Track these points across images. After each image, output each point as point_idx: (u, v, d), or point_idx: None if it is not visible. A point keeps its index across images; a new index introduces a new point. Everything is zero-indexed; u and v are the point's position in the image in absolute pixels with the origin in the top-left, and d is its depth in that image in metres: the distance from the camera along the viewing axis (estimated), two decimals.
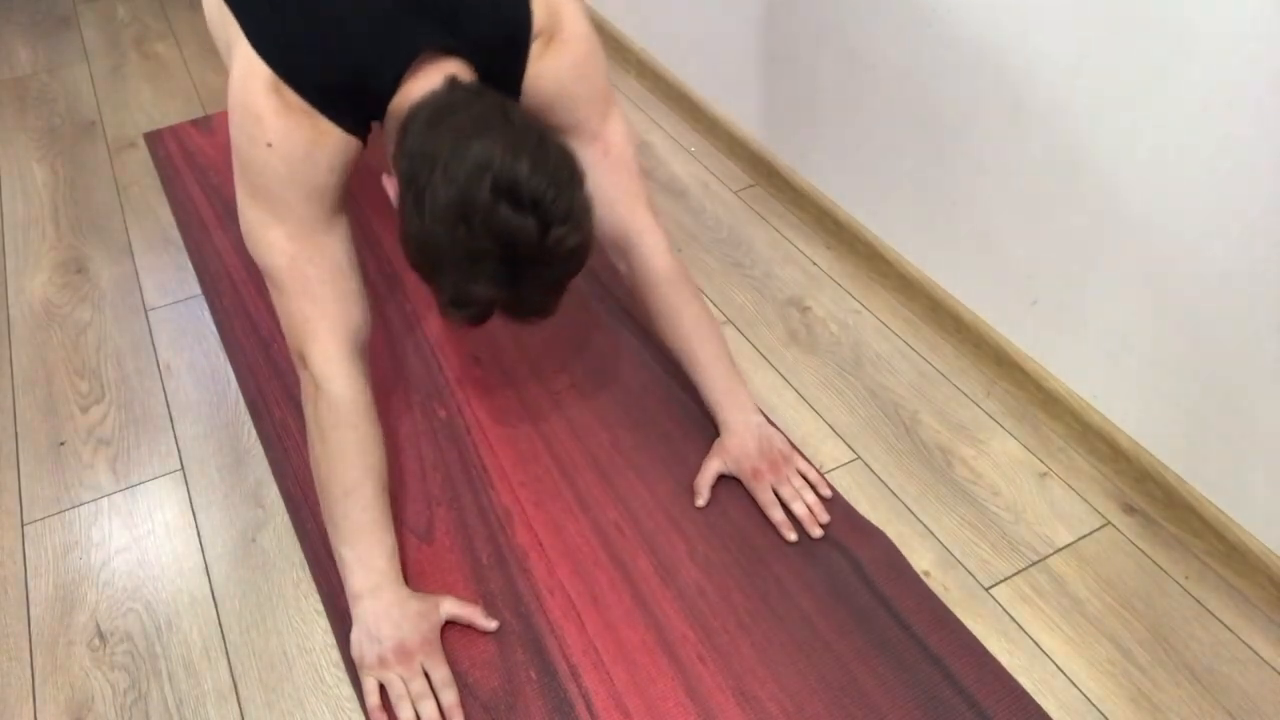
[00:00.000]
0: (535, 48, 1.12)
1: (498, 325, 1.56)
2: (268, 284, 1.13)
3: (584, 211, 0.96)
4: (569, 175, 0.95)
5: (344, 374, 1.12)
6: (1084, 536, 1.25)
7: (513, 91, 1.14)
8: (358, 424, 1.12)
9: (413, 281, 1.64)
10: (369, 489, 1.12)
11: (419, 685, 1.06)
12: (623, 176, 1.27)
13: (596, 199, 1.22)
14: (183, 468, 1.35)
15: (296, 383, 1.44)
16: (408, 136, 0.96)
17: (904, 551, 1.23)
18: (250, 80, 1.02)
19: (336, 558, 1.12)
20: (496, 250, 0.92)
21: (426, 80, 1.03)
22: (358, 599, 1.09)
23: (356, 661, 1.08)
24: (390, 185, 1.02)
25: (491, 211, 0.90)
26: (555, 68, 1.15)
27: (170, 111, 2.09)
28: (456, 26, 1.05)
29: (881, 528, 1.26)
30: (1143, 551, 1.24)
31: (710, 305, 1.60)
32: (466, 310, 0.97)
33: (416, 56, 1.04)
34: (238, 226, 1.74)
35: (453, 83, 1.01)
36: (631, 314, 1.57)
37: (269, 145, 1.02)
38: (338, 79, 1.03)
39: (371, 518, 1.11)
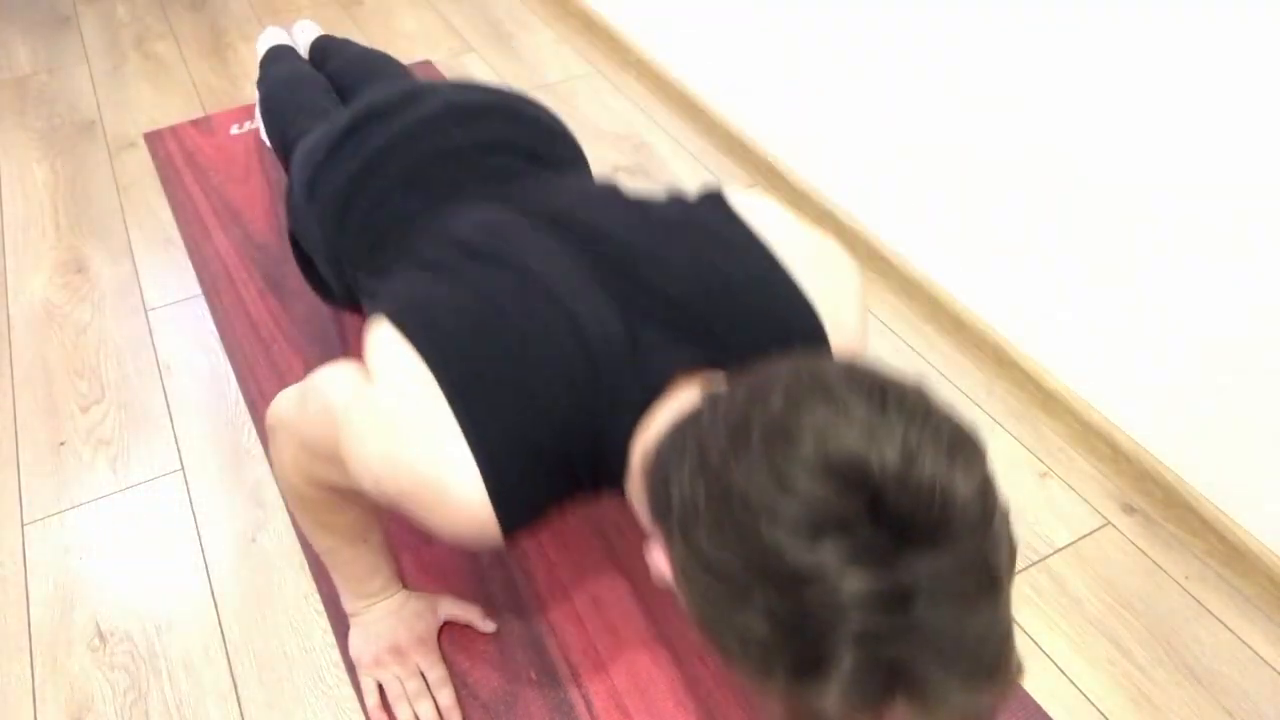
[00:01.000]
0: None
1: None
2: (268, 430, 0.98)
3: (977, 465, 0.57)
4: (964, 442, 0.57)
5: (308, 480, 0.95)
6: (1084, 536, 1.25)
7: None
8: (322, 509, 0.99)
9: None
10: (348, 547, 1.04)
11: (415, 685, 1.06)
12: None
13: None
14: (183, 468, 1.35)
15: (296, 383, 1.44)
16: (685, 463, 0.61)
17: None
18: (421, 420, 0.75)
19: (330, 573, 1.10)
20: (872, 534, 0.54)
21: (676, 403, 0.74)
22: (352, 615, 1.10)
23: (354, 661, 1.09)
24: (656, 555, 0.65)
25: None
26: None
27: (170, 111, 2.09)
28: (715, 341, 0.78)
29: None
30: (1143, 551, 1.24)
31: None
32: (847, 693, 0.54)
33: (666, 384, 0.76)
34: (238, 226, 1.74)
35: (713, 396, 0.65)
36: None
37: (377, 482, 0.76)
38: (545, 449, 0.75)
39: (355, 564, 1.06)
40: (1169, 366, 1.20)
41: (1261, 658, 1.12)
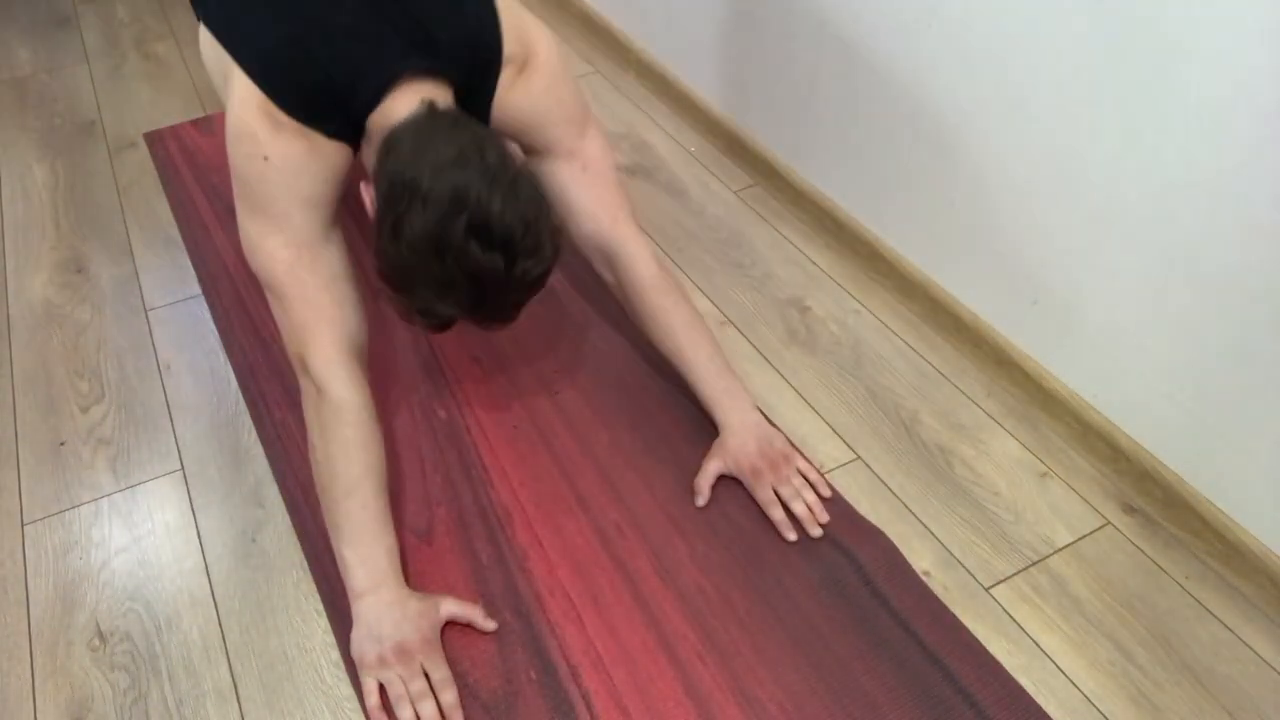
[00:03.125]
0: (506, 74, 1.18)
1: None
2: (267, 294, 1.18)
3: (551, 244, 1.03)
4: (538, 211, 1.02)
5: (344, 376, 1.15)
6: (1084, 536, 1.25)
7: (483, 114, 1.20)
8: (359, 425, 1.15)
9: None
10: (369, 487, 1.13)
11: (419, 685, 1.06)
12: (602, 190, 1.32)
13: (578, 213, 1.33)
14: (183, 468, 1.35)
15: (297, 383, 1.44)
16: (389, 159, 1.02)
17: (904, 551, 1.23)
18: (245, 103, 1.08)
19: (338, 558, 1.12)
20: (465, 282, 1.00)
21: (406, 100, 1.08)
22: (359, 598, 1.09)
23: (356, 661, 1.08)
24: (368, 194, 1.07)
25: (464, 249, 0.97)
26: (528, 93, 1.21)
27: (170, 111, 2.09)
28: (435, 51, 1.11)
29: (881, 528, 1.26)
30: (1143, 551, 1.24)
31: (710, 305, 1.60)
32: (431, 321, 1.06)
33: (398, 79, 1.09)
34: (237, 226, 1.74)
35: (432, 109, 1.05)
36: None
37: (265, 159, 1.08)
38: (323, 96, 1.09)
39: (372, 516, 1.12)
40: (1169, 366, 1.20)
41: (1261, 658, 1.12)
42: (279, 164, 1.09)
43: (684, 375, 1.33)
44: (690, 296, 1.40)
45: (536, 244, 1.01)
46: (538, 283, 1.04)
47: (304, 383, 1.18)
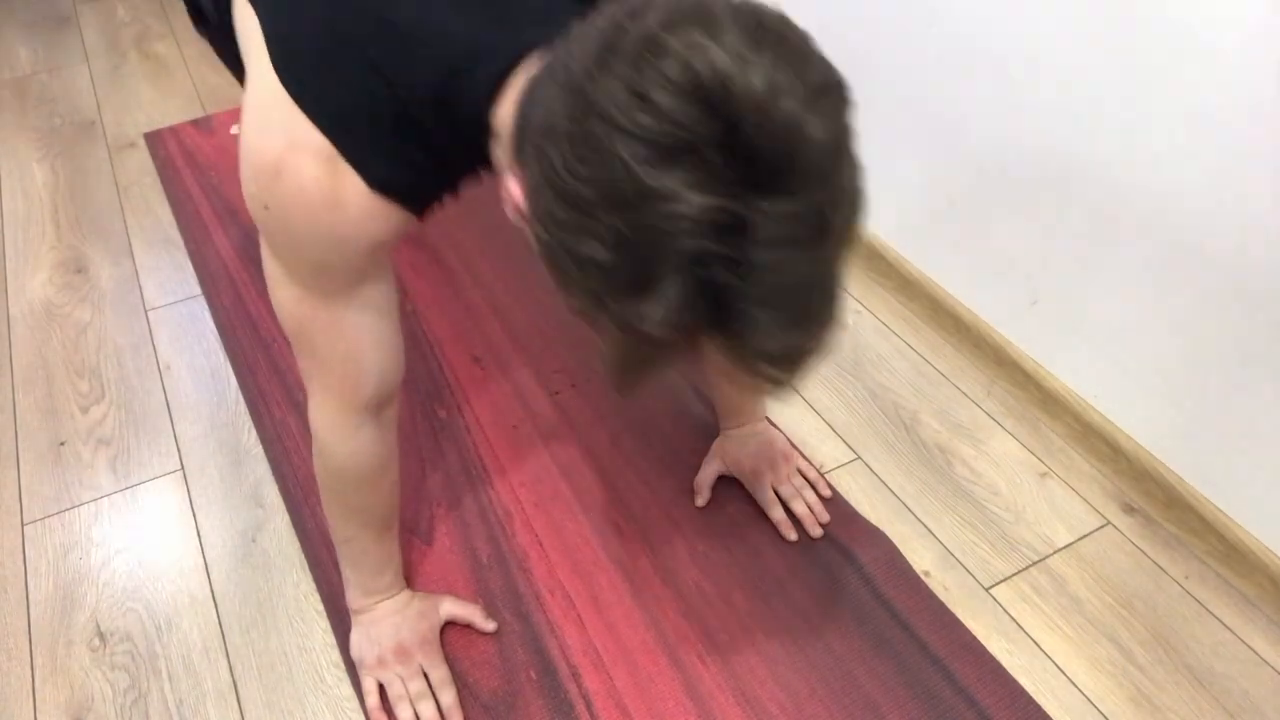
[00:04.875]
0: None
1: (495, 325, 1.56)
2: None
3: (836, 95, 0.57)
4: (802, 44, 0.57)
5: (346, 433, 0.96)
6: (1084, 536, 1.25)
7: None
8: (358, 482, 1.00)
9: (412, 281, 1.64)
10: (369, 536, 1.06)
11: (417, 685, 1.06)
12: None
13: None
14: (183, 468, 1.35)
15: (297, 382, 1.44)
16: (552, 89, 0.58)
17: (904, 551, 1.23)
18: (267, 113, 0.76)
19: (340, 567, 1.11)
20: (697, 140, 0.51)
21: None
22: (358, 613, 1.10)
23: (356, 661, 1.08)
24: (512, 198, 0.64)
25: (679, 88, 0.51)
26: None
27: (170, 111, 2.09)
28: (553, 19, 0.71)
29: (881, 528, 1.26)
30: (1143, 551, 1.24)
31: None
32: (669, 316, 0.54)
33: (522, 57, 0.71)
34: (238, 226, 1.74)
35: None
36: None
37: (266, 208, 0.78)
38: (401, 107, 0.74)
39: (371, 556, 1.07)
40: (1169, 366, 1.20)
41: (1261, 658, 1.12)
42: (281, 216, 0.78)
43: (716, 379, 1.27)
44: None
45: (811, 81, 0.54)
46: (827, 160, 0.55)
47: (309, 416, 0.99)
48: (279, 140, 0.74)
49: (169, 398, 1.45)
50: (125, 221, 1.80)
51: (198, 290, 1.63)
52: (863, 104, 1.61)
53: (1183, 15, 1.03)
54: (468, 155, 0.78)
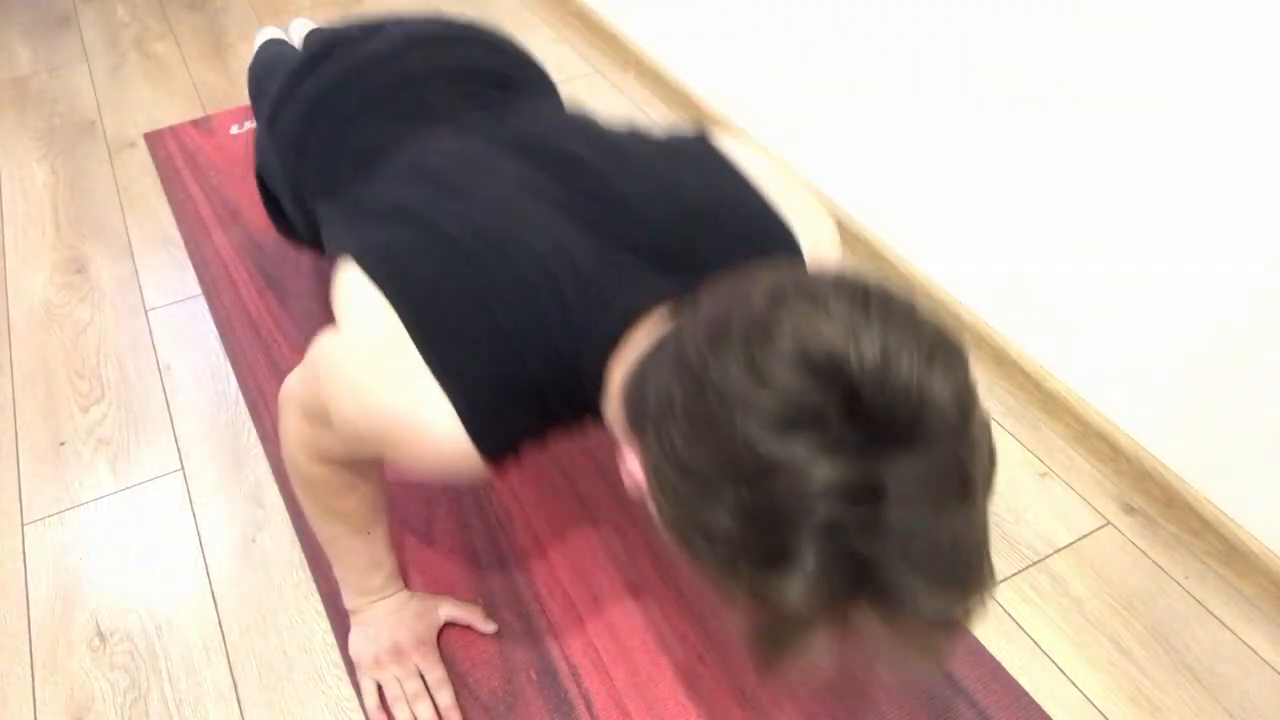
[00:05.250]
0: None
1: None
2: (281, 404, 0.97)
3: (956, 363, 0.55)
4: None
5: (316, 462, 0.96)
6: (1084, 536, 1.25)
7: None
8: (329, 493, 0.98)
9: None
10: (351, 537, 1.04)
11: (414, 685, 1.06)
12: None
13: None
14: (183, 468, 1.35)
15: None
16: (673, 354, 0.59)
17: None
18: (386, 358, 0.75)
19: (333, 568, 1.10)
20: (830, 408, 0.51)
21: (654, 328, 0.72)
22: (353, 613, 1.10)
23: (354, 661, 1.09)
24: (629, 468, 0.65)
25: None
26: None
27: (170, 111, 2.09)
28: (694, 267, 0.75)
29: None
30: (1143, 551, 1.24)
31: None
32: (810, 589, 0.52)
33: (641, 313, 0.74)
34: (238, 226, 1.74)
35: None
36: None
37: (359, 435, 0.78)
38: (520, 382, 0.75)
39: (357, 557, 1.06)
40: (1169, 366, 1.20)
41: (1261, 658, 1.12)
42: (390, 451, 0.77)
43: None
44: None
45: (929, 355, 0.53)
46: (962, 422, 0.54)
47: (280, 427, 0.97)
48: (400, 395, 0.74)
49: (169, 398, 1.45)
50: (125, 221, 1.80)
51: (198, 290, 1.63)
52: (863, 103, 1.62)
53: (1183, 14, 1.03)
54: (574, 412, 0.78)
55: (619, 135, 0.90)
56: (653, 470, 0.58)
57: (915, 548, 0.51)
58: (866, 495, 0.51)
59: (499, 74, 1.08)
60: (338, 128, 1.04)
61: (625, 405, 0.65)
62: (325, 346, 0.81)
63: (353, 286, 0.79)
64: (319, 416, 0.86)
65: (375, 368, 0.75)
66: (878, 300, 0.54)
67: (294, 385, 0.93)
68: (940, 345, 0.54)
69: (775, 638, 0.55)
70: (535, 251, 0.76)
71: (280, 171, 1.12)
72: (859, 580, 0.52)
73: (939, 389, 0.52)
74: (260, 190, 1.29)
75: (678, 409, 0.55)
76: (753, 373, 0.52)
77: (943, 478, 0.52)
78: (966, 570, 0.54)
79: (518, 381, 0.75)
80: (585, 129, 0.91)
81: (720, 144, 0.88)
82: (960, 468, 0.53)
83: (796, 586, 0.51)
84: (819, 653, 0.55)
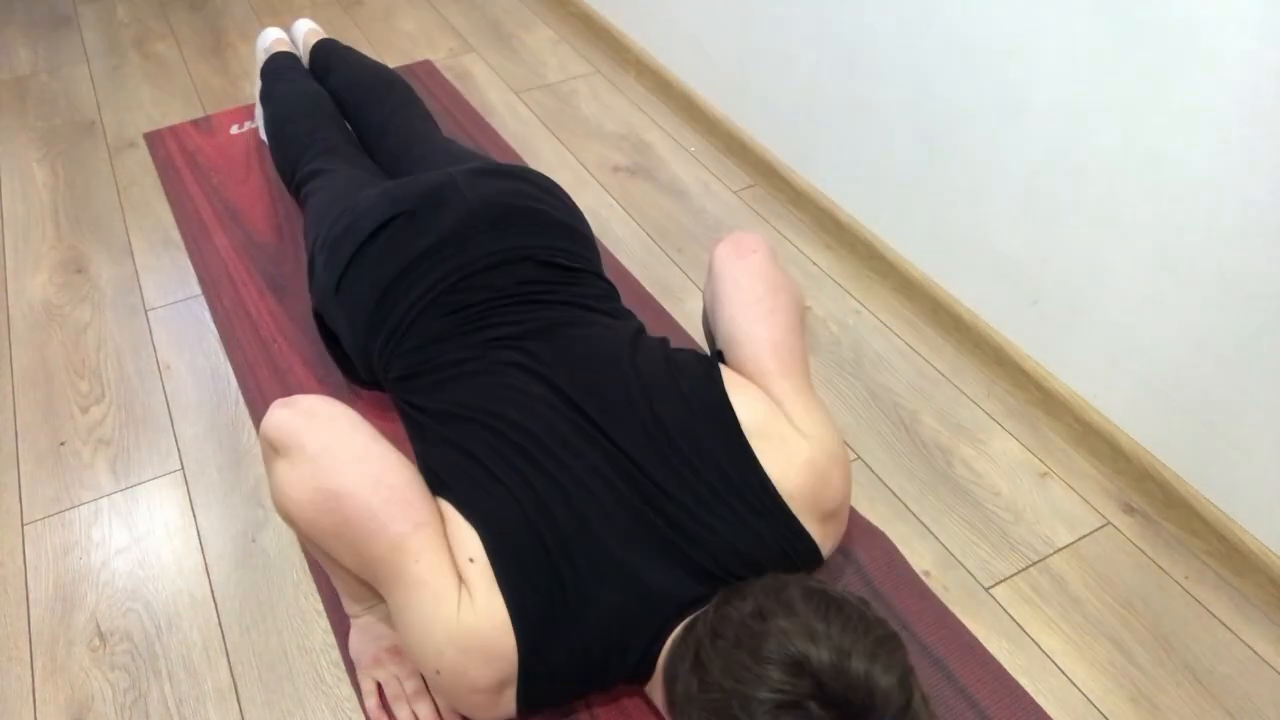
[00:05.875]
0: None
1: None
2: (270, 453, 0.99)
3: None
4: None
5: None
6: (1084, 536, 1.25)
7: None
8: (321, 534, 0.97)
9: None
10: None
11: (413, 684, 1.06)
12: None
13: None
14: (183, 468, 1.35)
15: (297, 383, 1.44)
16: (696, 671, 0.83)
17: (904, 551, 1.23)
18: (493, 649, 0.89)
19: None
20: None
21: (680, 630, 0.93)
22: (353, 616, 1.10)
23: (354, 661, 1.09)
24: None
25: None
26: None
27: (170, 111, 2.09)
28: (719, 565, 0.95)
29: (881, 528, 1.26)
30: (1143, 551, 1.24)
31: None
32: None
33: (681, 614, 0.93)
34: (238, 226, 1.74)
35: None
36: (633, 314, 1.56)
37: (437, 673, 0.90)
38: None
39: (351, 574, 1.06)
40: (1169, 366, 1.20)
41: (1261, 658, 1.12)
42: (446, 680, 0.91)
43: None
44: None
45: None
46: None
47: (270, 472, 0.99)
48: (490, 679, 0.90)
49: (169, 398, 1.45)
50: (125, 221, 1.80)
51: (198, 290, 1.63)
52: (863, 103, 1.62)
53: (1183, 15, 1.03)
54: (617, 680, 0.97)
55: (671, 424, 1.01)
56: None
57: None
58: None
59: (552, 258, 1.19)
60: (410, 317, 1.14)
61: (665, 691, 0.91)
62: (433, 590, 0.91)
63: (477, 569, 0.91)
64: (349, 525, 0.92)
65: (483, 656, 0.89)
66: (835, 609, 0.80)
67: (311, 451, 0.93)
68: (882, 642, 0.78)
69: None
70: (623, 567, 0.93)
71: (349, 335, 1.23)
72: None
73: (882, 678, 0.75)
74: (319, 327, 1.39)
75: (695, 698, 0.81)
76: (747, 669, 0.77)
77: None
78: None
79: (582, 666, 0.93)
80: (650, 397, 1.03)
81: (728, 389, 1.04)
82: None
83: None
84: None
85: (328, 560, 1.03)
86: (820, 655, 0.75)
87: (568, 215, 1.27)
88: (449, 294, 1.14)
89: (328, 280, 1.24)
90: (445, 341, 1.11)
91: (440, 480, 0.98)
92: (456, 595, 0.89)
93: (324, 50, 1.87)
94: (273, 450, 0.96)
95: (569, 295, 1.16)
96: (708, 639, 0.82)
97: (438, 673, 0.89)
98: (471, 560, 0.90)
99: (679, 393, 1.02)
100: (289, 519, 0.96)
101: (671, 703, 0.87)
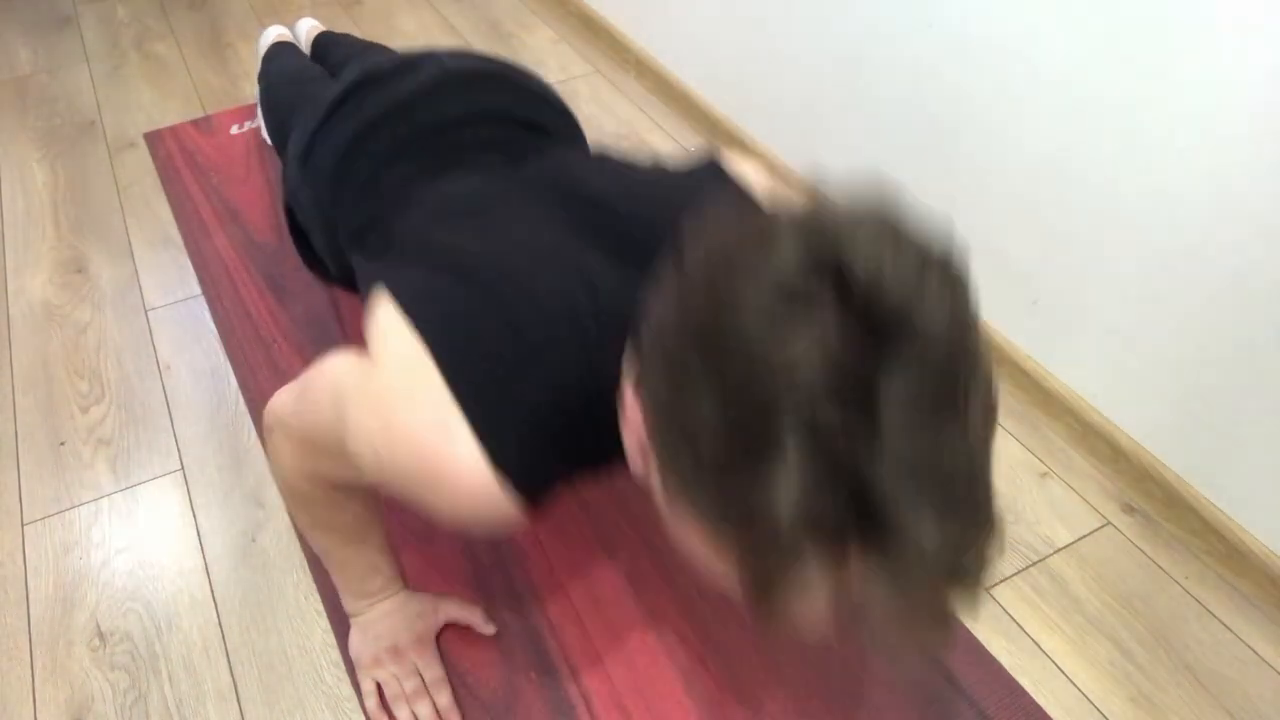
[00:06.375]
0: None
1: None
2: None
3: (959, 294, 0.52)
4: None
5: (307, 481, 0.95)
6: (1084, 536, 1.25)
7: None
8: (322, 507, 0.98)
9: None
10: (345, 548, 1.04)
11: (413, 684, 1.06)
12: None
13: None
14: (183, 468, 1.35)
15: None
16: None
17: None
18: (418, 391, 0.74)
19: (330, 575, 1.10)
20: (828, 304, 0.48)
21: None
22: (353, 615, 1.10)
23: (353, 661, 1.09)
24: (628, 397, 0.64)
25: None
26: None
27: (170, 111, 2.09)
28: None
29: None
30: (1143, 551, 1.24)
31: None
32: (798, 498, 0.47)
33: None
34: (238, 226, 1.74)
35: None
36: None
37: (376, 453, 0.75)
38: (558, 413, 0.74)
39: (354, 565, 1.05)
40: (1169, 366, 1.20)
41: (1261, 658, 1.12)
42: (411, 489, 0.76)
43: None
44: None
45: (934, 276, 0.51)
46: (961, 351, 0.50)
47: (268, 445, 0.97)
48: (432, 433, 0.72)
49: (169, 398, 1.45)
50: (125, 221, 1.80)
51: (198, 290, 1.63)
52: (863, 104, 1.62)
53: (1183, 15, 1.03)
54: (604, 447, 0.75)
55: (644, 178, 0.92)
56: (643, 377, 0.57)
57: (908, 463, 0.47)
58: (855, 392, 0.47)
59: (532, 120, 1.10)
60: (375, 169, 1.05)
61: (631, 342, 0.64)
62: (348, 373, 0.81)
63: (388, 323, 0.78)
64: (326, 447, 0.85)
65: (409, 403, 0.74)
66: (875, 208, 0.53)
67: (290, 408, 0.91)
68: (942, 258, 0.52)
69: (767, 574, 0.50)
70: (559, 289, 0.76)
71: (313, 207, 1.13)
72: (849, 502, 0.47)
73: (935, 296, 0.49)
74: (289, 225, 1.29)
75: (671, 311, 0.54)
76: (749, 267, 0.50)
77: (937, 388, 0.48)
78: (967, 498, 0.49)
79: (550, 420, 0.74)
80: (613, 172, 0.93)
81: (731, 169, 0.91)
82: (954, 380, 0.49)
83: (782, 493, 0.47)
84: (815, 594, 0.50)
85: (332, 538, 1.02)
86: (850, 248, 0.49)
87: (553, 95, 1.18)
88: (417, 150, 1.03)
89: (296, 148, 1.15)
90: (409, 190, 1.00)
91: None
92: (364, 364, 0.79)
93: (325, 39, 1.87)
94: (269, 429, 0.95)
95: (551, 154, 1.02)
96: (699, 254, 0.55)
97: (376, 453, 0.74)
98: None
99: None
100: (279, 460, 0.94)
101: (635, 337, 0.60)
